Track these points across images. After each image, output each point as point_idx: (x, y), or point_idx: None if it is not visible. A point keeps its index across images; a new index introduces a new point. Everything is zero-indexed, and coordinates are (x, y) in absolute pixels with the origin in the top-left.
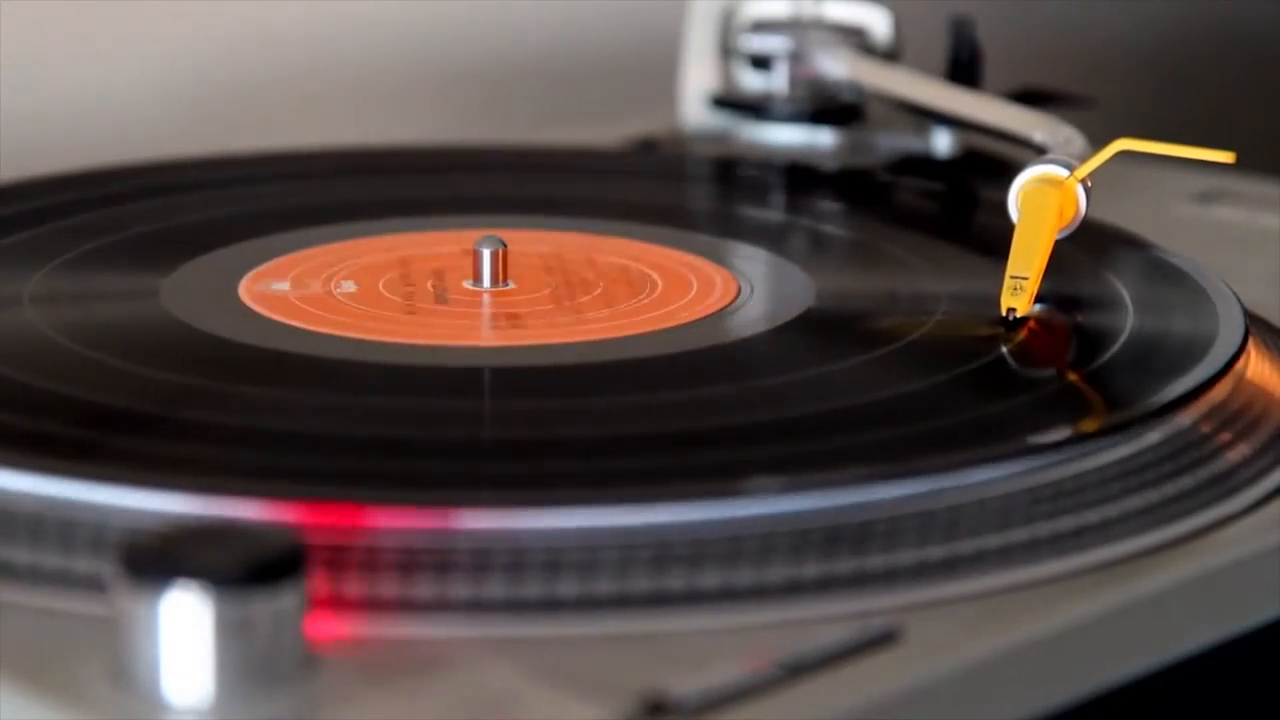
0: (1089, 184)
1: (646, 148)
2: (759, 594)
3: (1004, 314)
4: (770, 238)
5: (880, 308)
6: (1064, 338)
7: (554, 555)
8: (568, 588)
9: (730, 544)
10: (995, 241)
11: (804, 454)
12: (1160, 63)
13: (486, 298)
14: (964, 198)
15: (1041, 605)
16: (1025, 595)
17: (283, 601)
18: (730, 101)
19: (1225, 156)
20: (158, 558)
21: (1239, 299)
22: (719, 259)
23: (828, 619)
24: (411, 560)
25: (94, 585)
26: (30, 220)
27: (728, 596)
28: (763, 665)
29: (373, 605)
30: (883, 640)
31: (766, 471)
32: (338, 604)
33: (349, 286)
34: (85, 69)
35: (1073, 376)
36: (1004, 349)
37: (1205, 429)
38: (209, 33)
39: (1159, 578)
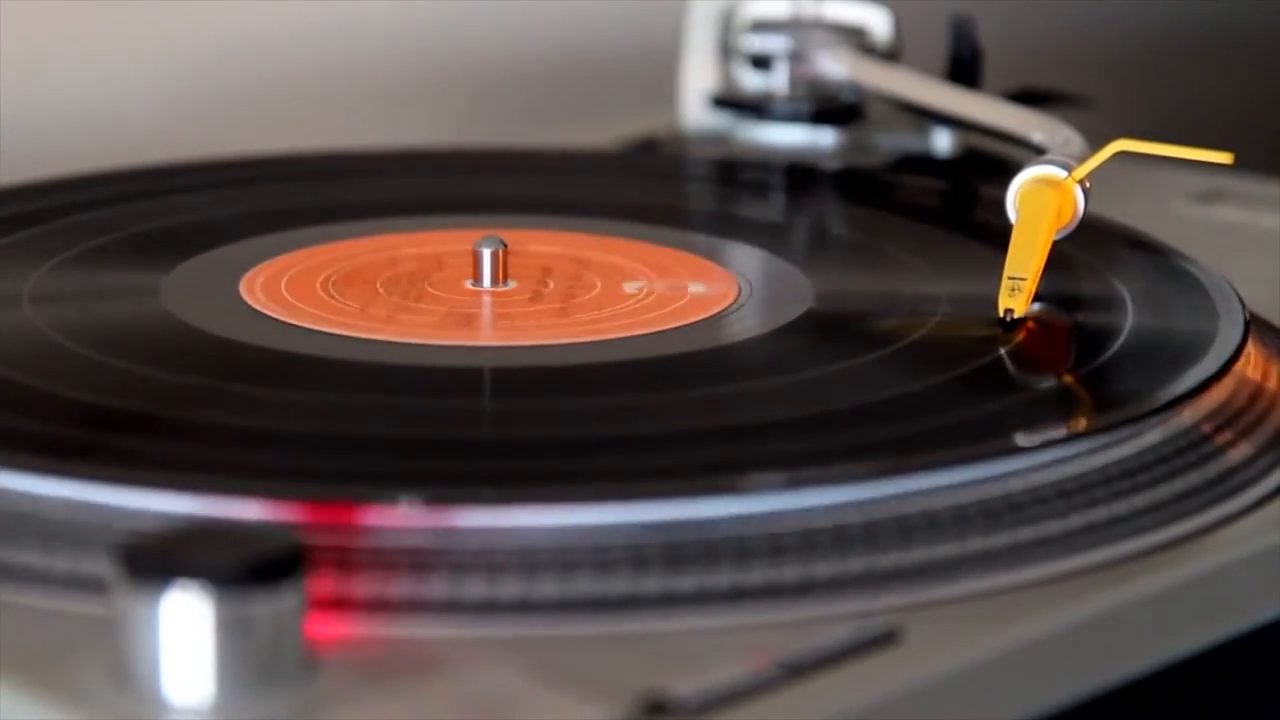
0: (1087, 185)
1: (646, 148)
2: (759, 594)
3: (1001, 314)
4: (770, 238)
5: (880, 308)
6: (1063, 337)
7: (553, 555)
8: (568, 587)
9: (730, 544)
10: (995, 242)
11: (803, 454)
12: (1160, 63)
13: (486, 298)
14: (964, 198)
15: (1041, 605)
16: (1025, 595)
17: (283, 601)
18: (730, 101)
19: (1223, 157)
20: (158, 558)
21: (1240, 297)
22: (719, 259)
23: (828, 619)
24: (411, 560)
25: (94, 585)
26: (30, 220)
27: (728, 596)
28: (763, 665)
29: (372, 605)
30: (883, 640)
31: (766, 472)
32: (338, 604)
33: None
34: (86, 70)
35: (1072, 376)
36: (1003, 349)
37: (1205, 429)
38: (209, 35)
39: (1159, 578)
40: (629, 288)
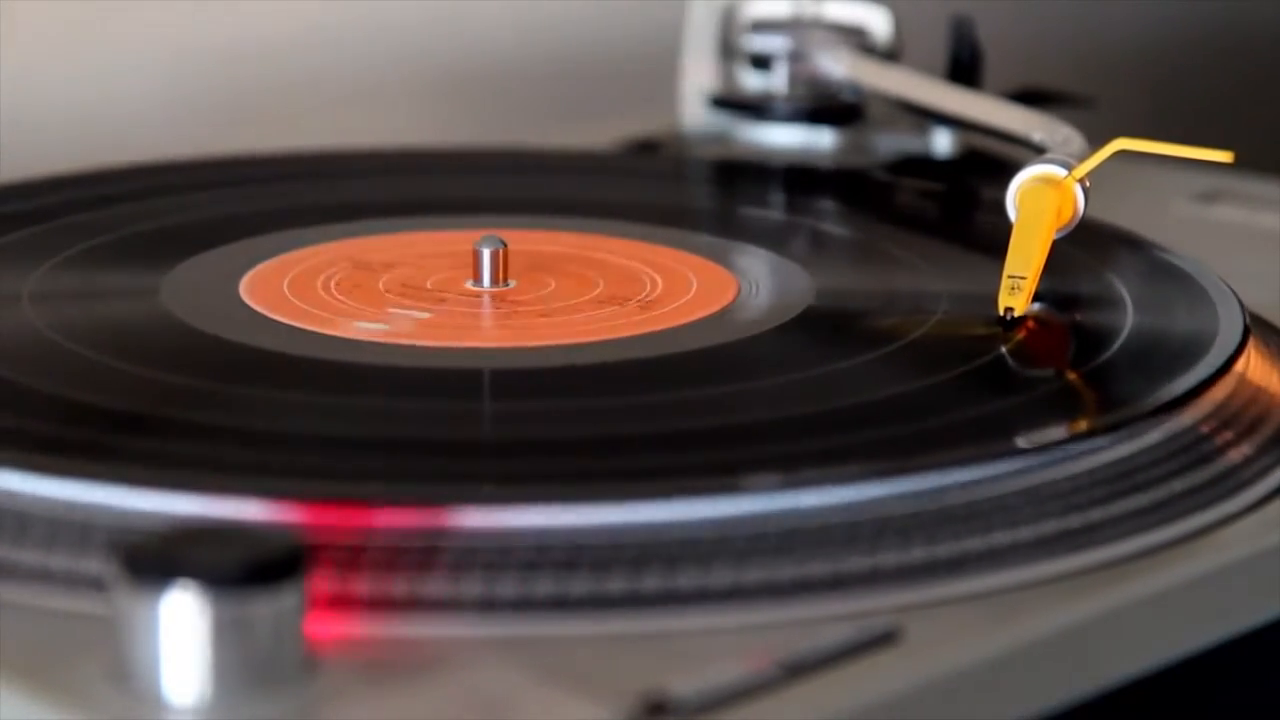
0: (1087, 183)
1: (646, 148)
2: (759, 594)
3: (1001, 313)
4: (770, 238)
5: (880, 308)
6: (1063, 337)
7: (553, 555)
8: (568, 587)
9: (730, 544)
10: (995, 241)
11: (804, 453)
12: (1160, 63)
13: (486, 298)
14: (964, 198)
15: (1041, 605)
16: (1025, 595)
17: (283, 601)
18: (730, 101)
19: (1224, 156)
20: (158, 558)
21: (1239, 298)
22: (719, 259)
23: (828, 619)
24: (411, 560)
25: (94, 585)
26: (30, 220)
27: (728, 596)
28: (763, 665)
29: (372, 605)
30: (883, 640)
31: (766, 471)
32: (337, 604)
33: (420, 314)
34: (86, 70)
35: (1072, 376)
36: (1004, 349)
37: (1205, 429)
38: (210, 34)
39: (1159, 578)
40: (364, 325)
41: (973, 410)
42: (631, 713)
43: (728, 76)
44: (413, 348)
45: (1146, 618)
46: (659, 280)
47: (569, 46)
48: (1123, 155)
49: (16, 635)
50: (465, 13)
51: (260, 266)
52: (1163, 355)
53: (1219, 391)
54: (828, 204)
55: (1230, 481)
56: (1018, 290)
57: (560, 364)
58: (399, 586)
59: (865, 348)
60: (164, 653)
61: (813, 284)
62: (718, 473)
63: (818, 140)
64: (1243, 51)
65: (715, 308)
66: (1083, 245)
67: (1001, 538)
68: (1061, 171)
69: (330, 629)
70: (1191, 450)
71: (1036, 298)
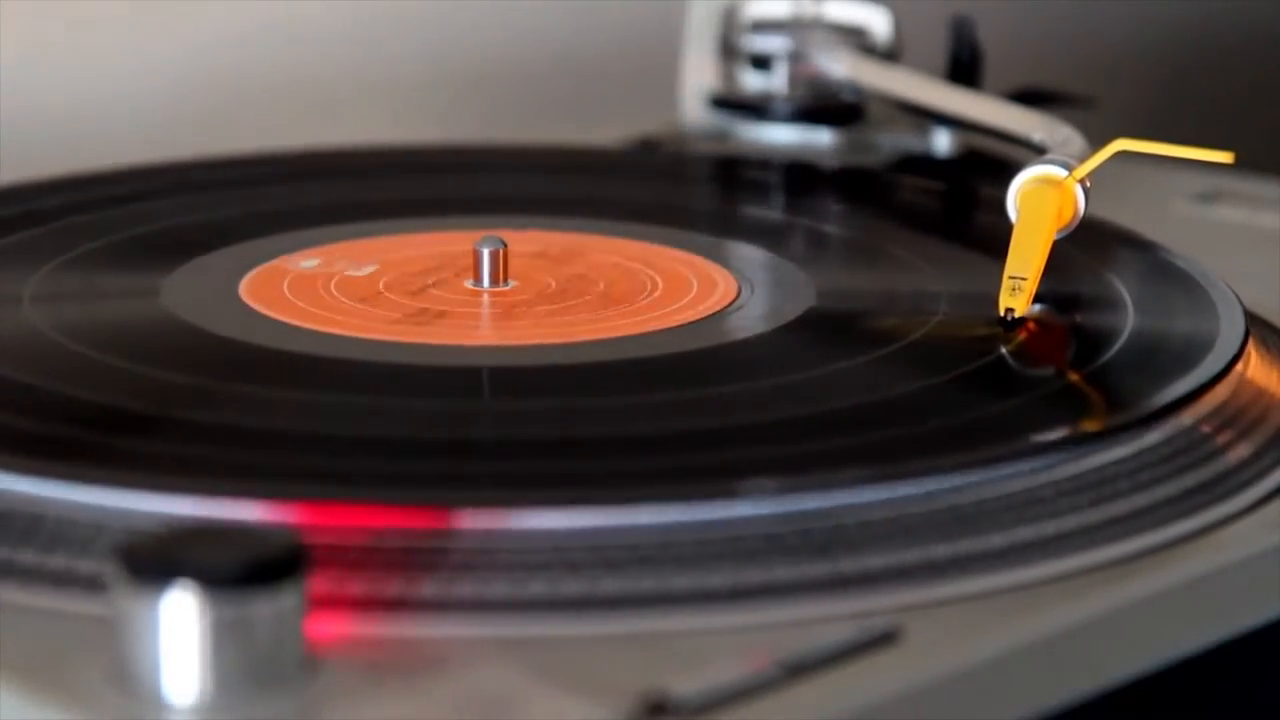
0: (1088, 184)
1: (646, 147)
2: (759, 594)
3: (1002, 314)
4: (770, 238)
5: (880, 308)
6: (1064, 338)
7: (553, 555)
8: (568, 587)
9: (730, 544)
10: (995, 241)
11: (804, 454)
12: (1161, 63)
13: (486, 298)
14: (964, 198)
15: (1041, 605)
16: (1025, 595)
17: (283, 601)
18: (730, 102)
19: (1224, 156)
20: (157, 558)
21: (1239, 299)
22: (719, 259)
23: (828, 619)
24: (411, 560)
25: (94, 585)
26: (30, 220)
27: (728, 596)
28: (763, 665)
29: (373, 605)
30: (883, 640)
31: (766, 471)
32: (338, 604)
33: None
34: (86, 69)
35: (1073, 376)
36: (1004, 349)
37: (1206, 429)
38: (210, 33)
39: (1159, 578)
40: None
41: (973, 411)
42: (631, 713)
43: (728, 76)
44: (412, 347)
45: (1146, 618)
46: (659, 280)
47: (570, 46)
48: (1123, 155)
49: (16, 635)
50: (466, 12)
51: (260, 267)
52: (1163, 356)
53: (1219, 392)
54: (828, 203)
55: (1230, 481)
56: (1018, 291)
57: (560, 363)
58: (399, 586)
59: (865, 348)
60: (164, 653)
61: (813, 284)
62: (718, 474)
63: (818, 140)
64: (1243, 51)
65: (715, 308)
66: (1083, 245)
67: (1002, 538)
68: (1062, 172)
69: (330, 629)
70: (1192, 450)
71: (1037, 298)
